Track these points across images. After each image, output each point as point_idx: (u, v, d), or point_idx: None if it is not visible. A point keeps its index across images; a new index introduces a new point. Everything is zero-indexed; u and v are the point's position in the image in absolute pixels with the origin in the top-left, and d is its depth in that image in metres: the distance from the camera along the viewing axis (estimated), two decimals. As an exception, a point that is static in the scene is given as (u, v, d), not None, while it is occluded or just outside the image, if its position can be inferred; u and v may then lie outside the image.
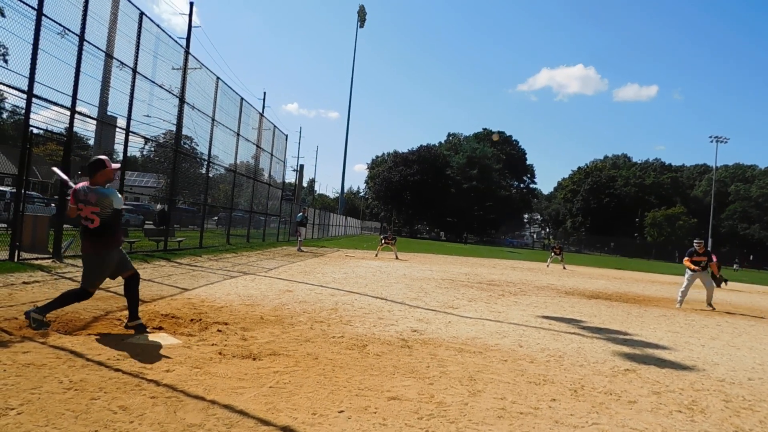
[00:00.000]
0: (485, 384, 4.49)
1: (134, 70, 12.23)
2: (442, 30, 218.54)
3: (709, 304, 12.61)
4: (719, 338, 8.34)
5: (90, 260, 5.15)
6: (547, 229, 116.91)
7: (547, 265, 28.66)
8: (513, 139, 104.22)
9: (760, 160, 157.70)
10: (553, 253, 29.61)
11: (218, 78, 17.42)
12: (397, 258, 22.82)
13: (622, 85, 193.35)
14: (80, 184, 5.15)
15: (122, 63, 11.88)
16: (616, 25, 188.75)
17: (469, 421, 3.55)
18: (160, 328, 5.45)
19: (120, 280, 5.47)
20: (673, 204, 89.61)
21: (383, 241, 24.45)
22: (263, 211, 25.77)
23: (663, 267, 45.79)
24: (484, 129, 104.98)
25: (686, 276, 12.80)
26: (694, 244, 12.89)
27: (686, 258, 12.88)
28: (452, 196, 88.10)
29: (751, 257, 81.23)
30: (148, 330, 5.20)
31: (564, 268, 27.94)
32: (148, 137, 14.04)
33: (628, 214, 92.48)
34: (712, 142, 78.43)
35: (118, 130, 12.41)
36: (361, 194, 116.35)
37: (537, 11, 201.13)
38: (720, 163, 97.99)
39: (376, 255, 23.42)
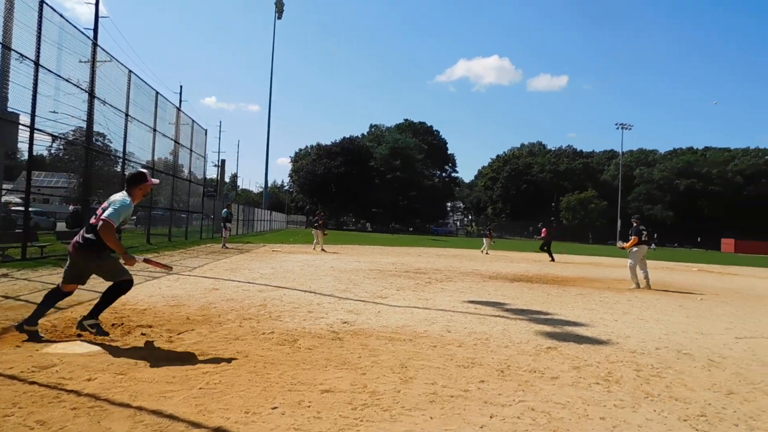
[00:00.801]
0: (416, 370, 4.59)
1: (36, 63, 11.44)
2: (361, 22, 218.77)
3: (647, 284, 13.06)
4: (630, 313, 8.92)
5: (107, 260, 5.14)
6: (470, 216, 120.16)
7: (485, 252, 28.06)
8: (434, 129, 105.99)
9: (660, 145, 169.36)
10: (485, 239, 29.12)
11: (130, 71, 16.62)
12: (323, 250, 22.70)
13: (535, 75, 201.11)
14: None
15: (22, 55, 11.08)
16: (529, 16, 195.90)
17: (403, 408, 3.63)
18: (79, 335, 5.18)
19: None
20: (586, 188, 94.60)
21: (315, 225, 23.90)
22: (185, 209, 24.93)
23: (579, 248, 48.25)
24: (406, 120, 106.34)
25: (632, 255, 13.19)
26: (635, 221, 13.36)
27: (634, 237, 13.17)
28: (377, 186, 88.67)
29: (656, 236, 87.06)
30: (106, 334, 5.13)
31: (486, 253, 28.14)
32: (56, 135, 13.20)
33: (544, 199, 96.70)
34: (618, 128, 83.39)
35: (21, 127, 11.58)
36: (286, 188, 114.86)
37: (453, 3, 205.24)
38: (626, 148, 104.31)
39: (318, 248, 23.03)
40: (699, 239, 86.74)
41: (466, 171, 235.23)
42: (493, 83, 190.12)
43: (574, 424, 3.49)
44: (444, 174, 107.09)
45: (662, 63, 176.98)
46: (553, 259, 24.46)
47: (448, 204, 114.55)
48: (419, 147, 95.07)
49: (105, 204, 5.12)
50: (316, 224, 24.03)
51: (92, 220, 5.07)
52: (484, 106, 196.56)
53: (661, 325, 7.76)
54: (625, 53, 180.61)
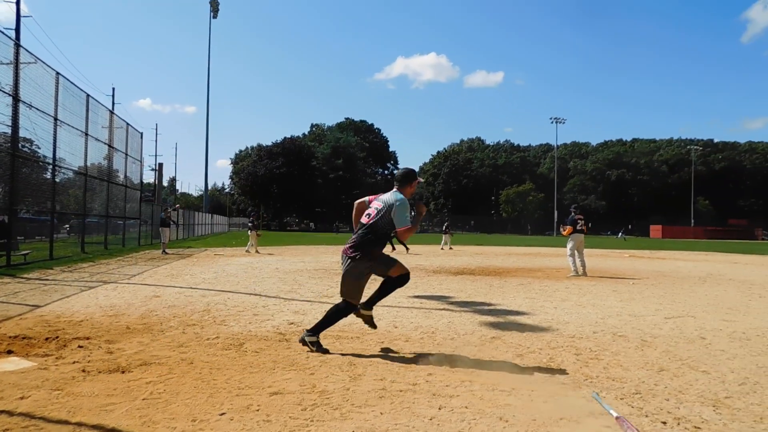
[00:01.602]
0: (365, 367, 4.62)
1: (-50, 66, 10.76)
2: (298, 21, 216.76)
3: (584, 272, 13.60)
4: (568, 299, 9.26)
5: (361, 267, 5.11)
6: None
7: (446, 248, 28.08)
8: (375, 127, 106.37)
9: (592, 138, 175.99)
10: (444, 236, 29.10)
11: (58, 73, 15.85)
12: (257, 252, 22.44)
13: (471, 71, 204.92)
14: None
15: (-66, 58, 10.39)
16: (465, 13, 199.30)
17: (352, 405, 3.65)
18: (10, 352, 4.92)
19: None
20: (523, 181, 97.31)
21: (249, 226, 23.74)
22: (121, 215, 24.02)
23: (518, 240, 49.55)
24: (347, 118, 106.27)
25: (568, 244, 13.77)
26: (572, 210, 13.98)
27: (569, 227, 13.80)
28: (319, 186, 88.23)
29: (590, 224, 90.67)
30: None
31: (450, 248, 28.04)
32: (-24, 141, 12.46)
33: (484, 193, 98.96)
34: (552, 123, 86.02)
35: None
36: (227, 190, 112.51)
37: (390, 1, 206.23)
38: (560, 141, 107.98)
39: (252, 250, 22.76)
40: (630, 226, 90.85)
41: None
42: (432, 80, 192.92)
43: (519, 410, 3.61)
44: (386, 171, 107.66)
45: (592, 57, 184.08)
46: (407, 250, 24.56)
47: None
48: (361, 145, 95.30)
49: (378, 204, 5.26)
50: (249, 225, 23.81)
51: (365, 219, 5.25)
52: (424, 103, 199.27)
53: (597, 310, 8.11)
54: (557, 48, 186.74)
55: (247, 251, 22.65)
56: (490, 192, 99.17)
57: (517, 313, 7.76)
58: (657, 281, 12.87)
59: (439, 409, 3.61)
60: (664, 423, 3.44)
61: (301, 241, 38.13)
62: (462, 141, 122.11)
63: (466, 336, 6.04)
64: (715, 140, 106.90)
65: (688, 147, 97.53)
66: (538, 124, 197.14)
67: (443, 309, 8.03)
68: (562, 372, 4.60)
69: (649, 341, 5.92)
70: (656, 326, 6.86)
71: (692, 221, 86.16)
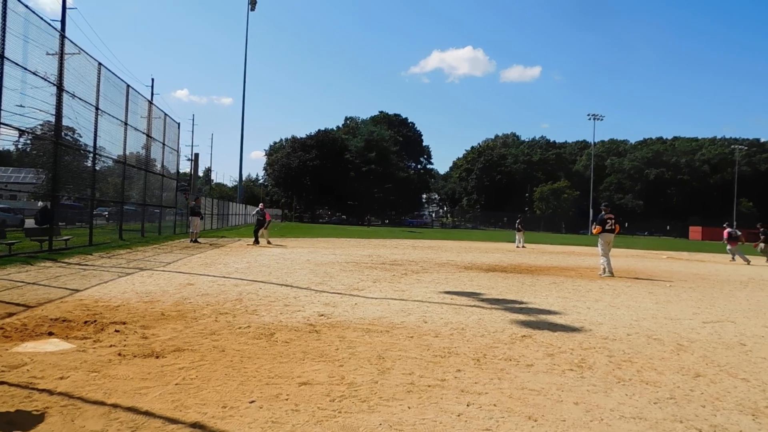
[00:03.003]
0: (393, 361, 4.63)
1: (1, 56, 11.11)
2: (333, 15, 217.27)
3: (611, 272, 13.37)
4: (602, 300, 9.09)
5: None
6: (445, 208, 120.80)
7: (520, 246, 27.87)
8: (409, 121, 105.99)
9: (630, 135, 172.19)
10: (518, 234, 28.76)
11: (100, 64, 16.24)
12: (268, 242, 22.58)
13: (508, 66, 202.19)
14: None
15: (-15, 48, 10.74)
16: (502, 6, 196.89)
17: (380, 399, 3.66)
18: (51, 334, 5.09)
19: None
20: (558, 178, 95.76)
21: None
22: (157, 204, 24.54)
23: (551, 238, 48.89)
24: (381, 112, 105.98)
25: (600, 243, 13.57)
26: (602, 209, 13.81)
27: (598, 226, 13.61)
28: (352, 179, 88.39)
29: (626, 224, 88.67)
30: None
31: (523, 246, 27.65)
32: (23, 129, 12.86)
33: (518, 189, 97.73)
34: (590, 119, 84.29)
35: (-14, 121, 11.25)
36: (260, 181, 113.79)
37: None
38: (597, 138, 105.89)
39: (264, 241, 22.70)
40: (668, 227, 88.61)
41: (441, 163, 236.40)
42: (467, 74, 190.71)
43: (549, 410, 3.57)
44: (419, 166, 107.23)
45: (633, 54, 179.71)
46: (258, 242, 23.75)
47: (423, 196, 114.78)
48: (394, 139, 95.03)
49: None
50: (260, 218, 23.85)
51: None
52: (459, 98, 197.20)
53: (631, 312, 7.94)
54: (597, 44, 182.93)
55: (268, 242, 22.71)
56: (523, 189, 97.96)
57: (549, 312, 7.66)
58: (695, 284, 12.54)
59: (467, 405, 3.59)
60: (699, 430, 3.35)
61: (332, 233, 38.37)
62: (496, 136, 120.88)
63: (497, 333, 5.98)
64: (762, 140, 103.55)
65: (732, 146, 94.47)
66: (575, 120, 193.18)
67: (474, 306, 7.98)
68: (594, 374, 4.52)
69: (686, 346, 5.77)
70: (693, 330, 6.68)
71: (734, 223, 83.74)
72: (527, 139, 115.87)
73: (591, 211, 75.13)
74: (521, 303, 8.39)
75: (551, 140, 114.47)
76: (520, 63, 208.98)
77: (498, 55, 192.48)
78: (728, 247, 23.07)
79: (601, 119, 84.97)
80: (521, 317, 7.10)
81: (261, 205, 24.23)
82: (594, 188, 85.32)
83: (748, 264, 20.86)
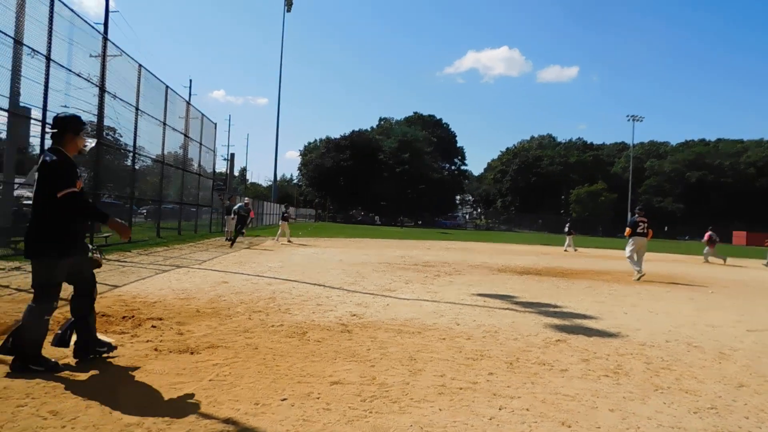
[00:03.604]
0: (425, 363, 4.60)
1: (48, 58, 11.49)
2: (370, 14, 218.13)
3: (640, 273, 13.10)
4: (639, 305, 8.88)
5: None
6: (479, 209, 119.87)
7: (570, 250, 27.55)
8: (443, 122, 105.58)
9: (671, 137, 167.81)
10: (568, 237, 28.45)
11: (140, 65, 16.66)
12: (288, 241, 22.61)
13: (544, 66, 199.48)
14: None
15: (34, 50, 11.14)
16: (539, 6, 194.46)
17: (411, 400, 3.64)
18: (90, 328, 5.23)
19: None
20: (595, 181, 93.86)
21: (284, 217, 23.82)
22: (194, 202, 25.03)
23: (588, 241, 48.00)
24: (415, 113, 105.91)
25: (629, 247, 13.37)
26: (636, 212, 13.68)
27: (628, 228, 13.51)
28: (385, 180, 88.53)
29: (666, 228, 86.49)
30: None
31: (575, 250, 27.36)
32: (66, 129, 13.28)
33: (554, 191, 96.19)
34: (629, 120, 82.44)
35: (32, 121, 11.66)
36: (294, 181, 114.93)
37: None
38: (636, 140, 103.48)
39: (279, 240, 22.71)
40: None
41: (475, 164, 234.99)
42: (503, 74, 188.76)
43: (583, 416, 3.49)
44: (453, 167, 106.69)
45: (675, 54, 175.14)
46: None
47: (457, 197, 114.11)
48: (428, 140, 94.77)
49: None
50: (284, 216, 24.07)
51: None
52: (494, 99, 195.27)
53: (670, 318, 7.73)
54: (637, 44, 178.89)
55: (277, 240, 22.91)
56: (559, 191, 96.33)
57: (584, 316, 7.51)
58: (738, 291, 12.13)
59: (499, 409, 3.55)
60: (742, 441, 3.23)
61: (365, 234, 38.48)
62: (532, 138, 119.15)
63: (530, 337, 5.90)
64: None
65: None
66: (614, 121, 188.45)
67: (507, 308, 7.88)
68: (630, 381, 4.41)
69: (728, 354, 5.58)
70: (736, 339, 6.46)
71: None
72: (564, 141, 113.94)
73: (629, 214, 73.51)
74: (555, 307, 8.25)
75: (588, 142, 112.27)
76: (557, 63, 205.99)
77: (535, 55, 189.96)
78: (707, 249, 23.99)
79: (641, 120, 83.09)
80: (555, 321, 6.98)
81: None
82: (632, 191, 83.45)
83: (725, 263, 22.71)
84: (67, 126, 4.25)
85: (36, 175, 4.09)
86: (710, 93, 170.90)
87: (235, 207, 20.41)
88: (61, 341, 4.21)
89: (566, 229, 29.09)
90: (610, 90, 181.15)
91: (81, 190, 4.09)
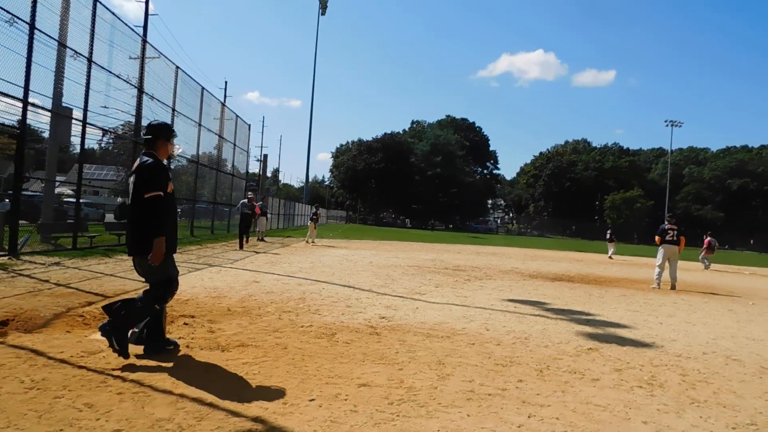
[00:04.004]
0: (453, 367, 4.57)
1: (89, 60, 11.85)
2: (402, 17, 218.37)
3: (673, 285, 12.79)
4: (676, 315, 8.65)
5: None
6: (511, 214, 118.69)
7: (610, 256, 27.11)
8: (476, 125, 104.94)
9: (712, 143, 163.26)
10: (609, 242, 27.96)
11: (178, 67, 17.03)
12: (312, 242, 22.61)
13: (581, 70, 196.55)
14: None
15: (76, 52, 11.49)
16: (575, 8, 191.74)
17: (439, 404, 3.61)
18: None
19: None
20: (631, 187, 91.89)
21: (313, 218, 23.91)
22: (227, 202, 25.41)
23: (622, 249, 47.05)
24: (447, 116, 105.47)
25: (659, 255, 13.13)
26: (666, 219, 13.46)
27: (657, 236, 13.30)
28: (417, 183, 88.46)
29: (712, 237, 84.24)
30: None
31: (610, 257, 26.85)
32: (106, 129, 13.67)
33: (588, 197, 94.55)
34: (667, 126, 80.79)
35: (74, 121, 12.03)
36: (326, 183, 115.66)
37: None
38: (675, 146, 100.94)
39: (309, 242, 22.78)
40: (752, 241, 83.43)
41: (508, 168, 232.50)
42: (538, 78, 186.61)
43: (615, 427, 3.41)
44: (485, 171, 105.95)
45: (715, 59, 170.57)
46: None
47: (489, 201, 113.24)
48: (460, 143, 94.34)
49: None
50: (313, 218, 24.15)
51: None
52: (528, 102, 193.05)
53: (708, 330, 7.50)
54: (676, 47, 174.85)
55: (306, 242, 23.02)
56: (594, 197, 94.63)
57: (618, 325, 7.35)
58: (780, 303, 11.71)
59: (528, 417, 3.49)
60: (783, 459, 3.11)
61: (395, 236, 38.48)
62: (567, 142, 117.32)
63: (561, 345, 5.80)
64: None
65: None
66: (651, 126, 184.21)
67: (538, 315, 7.77)
68: (665, 393, 4.29)
69: (769, 368, 5.38)
70: (777, 352, 6.23)
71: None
72: (599, 146, 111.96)
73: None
74: (588, 314, 8.10)
75: (624, 147, 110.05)
76: (594, 67, 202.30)
77: (570, 58, 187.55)
78: (703, 254, 23.76)
79: (680, 126, 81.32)
80: (588, 329, 6.85)
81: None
82: (670, 198, 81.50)
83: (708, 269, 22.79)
84: (160, 132, 4.57)
85: (132, 179, 4.36)
86: (753, 99, 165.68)
87: (238, 204, 18.95)
88: (139, 339, 4.40)
89: (608, 236, 28.55)
90: (648, 94, 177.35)
91: (171, 193, 4.43)
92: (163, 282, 4.37)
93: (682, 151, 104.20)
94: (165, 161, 4.73)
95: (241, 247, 17.10)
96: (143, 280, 4.54)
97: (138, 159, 4.46)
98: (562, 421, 3.46)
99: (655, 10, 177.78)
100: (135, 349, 4.37)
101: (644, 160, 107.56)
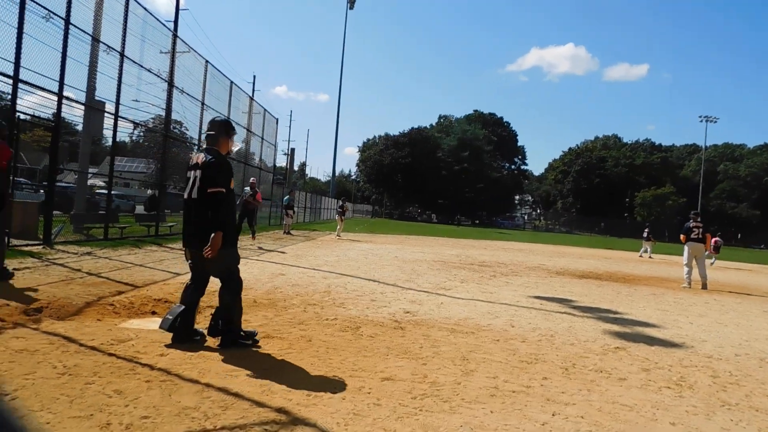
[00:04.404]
0: (478, 363, 4.54)
1: (122, 54, 12.07)
2: (430, 10, 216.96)
3: (703, 284, 12.53)
4: (707, 315, 8.46)
5: None
6: (538, 210, 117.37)
7: (645, 255, 26.34)
8: (504, 120, 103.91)
9: (749, 139, 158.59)
10: (645, 240, 26.98)
11: (207, 61, 17.22)
12: (338, 236, 22.70)
13: (612, 64, 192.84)
14: None
15: (109, 47, 11.72)
16: (606, 2, 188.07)
17: (462, 400, 3.60)
18: (154, 313, 5.46)
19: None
20: (663, 184, 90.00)
21: (339, 215, 24.31)
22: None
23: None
24: (475, 111, 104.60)
25: (685, 253, 12.90)
26: (690, 217, 13.17)
27: (683, 234, 13.06)
28: (443, 178, 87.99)
29: (739, 235, 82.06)
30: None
31: (640, 256, 26.17)
32: (138, 122, 13.92)
33: (618, 194, 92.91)
34: (701, 121, 78.81)
35: (106, 115, 12.28)
36: (353, 177, 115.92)
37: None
38: (709, 142, 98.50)
39: (338, 236, 22.98)
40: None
41: (536, 164, 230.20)
42: (568, 72, 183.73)
43: (641, 428, 3.35)
44: (513, 166, 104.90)
45: (754, 50, 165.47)
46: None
47: (516, 197, 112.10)
48: (488, 138, 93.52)
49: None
50: (339, 211, 24.52)
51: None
52: (557, 97, 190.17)
53: (741, 331, 7.32)
54: (712, 39, 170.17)
55: (337, 236, 23.13)
56: (624, 194, 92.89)
57: (646, 324, 7.22)
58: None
59: (553, 415, 3.46)
60: (817, 465, 3.02)
61: (421, 231, 38.42)
62: (596, 138, 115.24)
63: (587, 343, 5.72)
64: None
65: None
66: (685, 122, 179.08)
67: (564, 312, 7.68)
68: (694, 394, 4.20)
69: (804, 371, 5.23)
70: (813, 355, 6.05)
71: None
72: (630, 142, 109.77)
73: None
74: (616, 313, 7.98)
75: (656, 143, 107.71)
76: (626, 61, 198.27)
77: (602, 52, 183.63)
78: (710, 252, 22.04)
79: (715, 122, 79.25)
80: (615, 328, 6.75)
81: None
82: (703, 195, 79.63)
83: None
84: (223, 129, 4.73)
85: (196, 173, 4.46)
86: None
87: (243, 193, 17.36)
88: (213, 330, 4.54)
89: (645, 235, 27.45)
90: (682, 89, 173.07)
91: (231, 188, 4.60)
92: (234, 274, 4.56)
93: (716, 148, 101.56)
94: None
95: (253, 236, 16.42)
96: (192, 272, 4.65)
97: (201, 154, 4.56)
98: (587, 420, 3.42)
99: (690, 4, 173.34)
100: (162, 336, 4.46)
101: (677, 156, 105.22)
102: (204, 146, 4.74)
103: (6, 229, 7.45)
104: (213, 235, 4.25)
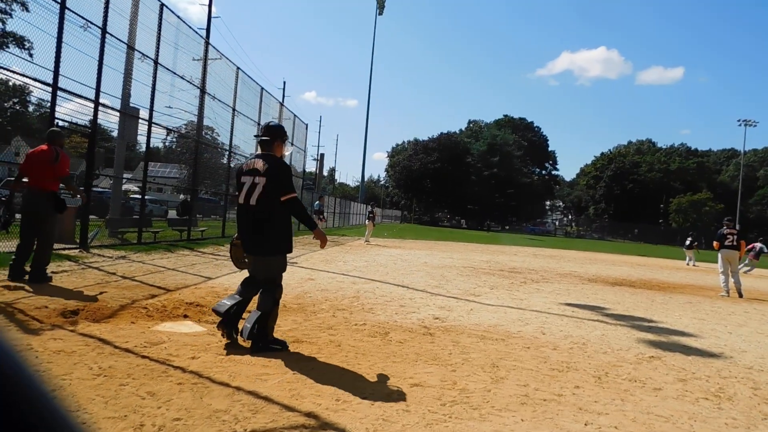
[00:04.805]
0: (508, 371, 4.48)
1: (156, 62, 12.34)
2: (459, 15, 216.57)
3: (739, 292, 12.21)
4: (747, 325, 8.20)
5: None
6: (570, 216, 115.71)
7: (689, 264, 25.35)
8: (535, 125, 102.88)
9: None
10: (688, 248, 26.11)
11: (238, 68, 17.47)
12: (367, 242, 22.71)
13: (646, 67, 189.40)
14: None
15: (144, 55, 12.00)
16: (640, 4, 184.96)
17: (492, 408, 3.55)
18: (186, 316, 5.53)
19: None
20: (699, 190, 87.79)
21: (369, 217, 24.61)
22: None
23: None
24: (505, 115, 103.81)
25: (719, 261, 12.62)
26: (724, 223, 12.91)
27: (716, 242, 12.75)
28: (473, 183, 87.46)
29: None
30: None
31: (687, 264, 25.27)
32: (170, 128, 14.20)
33: (652, 200, 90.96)
34: (740, 125, 76.61)
35: (140, 121, 12.56)
36: (382, 182, 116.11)
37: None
38: (748, 146, 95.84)
39: (367, 241, 23.04)
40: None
41: (568, 169, 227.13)
42: (600, 76, 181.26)
43: (678, 440, 3.26)
44: (544, 172, 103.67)
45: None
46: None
47: (547, 203, 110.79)
48: (518, 143, 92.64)
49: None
50: (370, 216, 24.88)
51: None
52: (589, 101, 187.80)
53: (783, 341, 7.07)
54: (751, 40, 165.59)
55: (366, 241, 23.15)
56: (658, 199, 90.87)
57: (683, 333, 7.03)
58: None
59: (585, 425, 3.38)
60: None
61: (450, 237, 38.22)
62: (630, 143, 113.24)
63: (621, 352, 5.60)
64: None
65: None
66: (722, 126, 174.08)
67: (597, 320, 7.54)
68: (734, 406, 4.07)
69: None
70: None
71: None
72: (665, 146, 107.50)
73: (737, 226, 68.26)
74: (650, 321, 7.79)
75: (692, 148, 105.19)
76: (660, 64, 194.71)
77: (635, 55, 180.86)
78: (749, 259, 21.20)
79: (754, 125, 76.85)
80: (650, 336, 6.59)
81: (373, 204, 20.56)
82: (742, 201, 77.39)
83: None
84: (278, 134, 4.72)
85: (256, 180, 4.49)
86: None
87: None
88: (246, 333, 4.55)
89: (688, 243, 26.41)
90: (719, 92, 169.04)
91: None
92: (279, 280, 4.75)
93: (756, 152, 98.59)
94: None
95: None
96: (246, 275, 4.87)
97: (260, 160, 4.56)
98: (620, 430, 3.34)
99: (727, 3, 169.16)
100: (193, 339, 4.51)
101: (714, 161, 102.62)
102: (257, 152, 4.77)
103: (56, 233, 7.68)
104: (316, 231, 4.67)
